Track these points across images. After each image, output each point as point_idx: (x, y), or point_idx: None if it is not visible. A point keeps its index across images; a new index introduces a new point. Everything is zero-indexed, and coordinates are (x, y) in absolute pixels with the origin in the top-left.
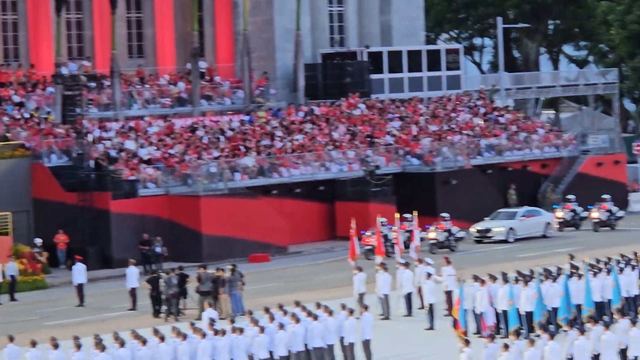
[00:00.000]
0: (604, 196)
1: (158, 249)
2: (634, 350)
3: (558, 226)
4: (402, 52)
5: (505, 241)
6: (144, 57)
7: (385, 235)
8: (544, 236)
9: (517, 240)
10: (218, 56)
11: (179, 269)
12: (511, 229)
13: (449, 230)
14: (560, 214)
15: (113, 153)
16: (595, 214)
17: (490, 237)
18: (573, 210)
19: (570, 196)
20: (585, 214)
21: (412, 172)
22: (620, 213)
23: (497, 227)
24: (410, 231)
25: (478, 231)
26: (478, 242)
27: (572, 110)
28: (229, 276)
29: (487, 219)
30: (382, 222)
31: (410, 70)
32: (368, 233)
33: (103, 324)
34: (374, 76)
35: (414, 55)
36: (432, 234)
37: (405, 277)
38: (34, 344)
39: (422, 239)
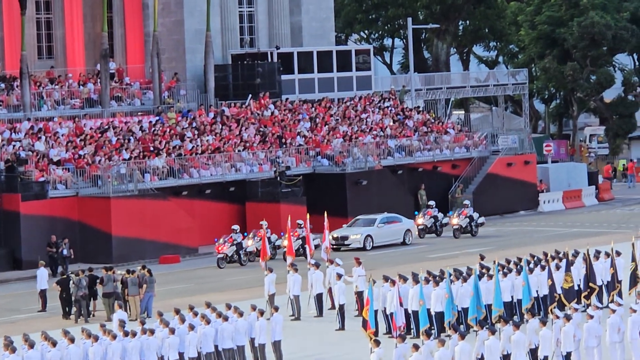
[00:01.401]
0: (465, 202)
1: (65, 251)
2: (543, 349)
3: (418, 233)
4: (313, 52)
5: (362, 249)
6: (53, 58)
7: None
8: (403, 243)
9: (374, 248)
10: (128, 57)
11: (89, 271)
12: (369, 236)
13: (470, 217)
14: (420, 220)
15: (22, 154)
16: (455, 220)
17: (347, 244)
18: (434, 217)
19: (431, 202)
20: (446, 220)
21: (322, 173)
22: (481, 219)
23: (355, 234)
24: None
25: (334, 238)
26: (335, 249)
27: (482, 110)
28: (142, 277)
29: (345, 226)
30: (299, 223)
31: (320, 71)
32: (220, 241)
33: (13, 326)
34: (284, 77)
35: (324, 56)
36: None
37: (315, 277)
38: None
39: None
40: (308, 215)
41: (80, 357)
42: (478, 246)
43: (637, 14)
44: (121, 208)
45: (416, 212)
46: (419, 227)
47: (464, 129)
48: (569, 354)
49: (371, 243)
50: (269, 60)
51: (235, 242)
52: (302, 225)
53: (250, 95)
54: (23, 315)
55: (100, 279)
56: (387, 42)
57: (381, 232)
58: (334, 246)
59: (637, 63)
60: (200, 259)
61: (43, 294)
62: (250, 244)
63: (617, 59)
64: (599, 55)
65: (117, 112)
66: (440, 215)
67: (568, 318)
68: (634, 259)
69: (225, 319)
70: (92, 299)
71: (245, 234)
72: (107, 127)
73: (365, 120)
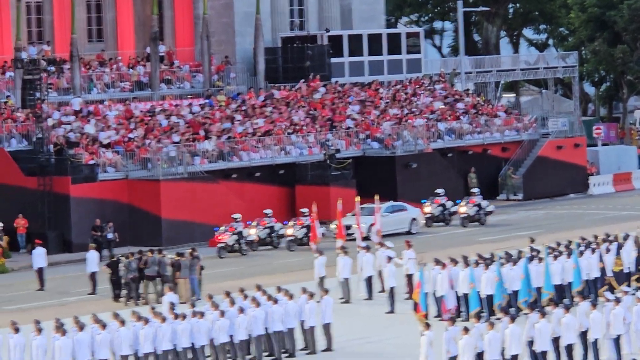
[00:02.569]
0: (473, 190)
1: (109, 235)
2: (594, 332)
3: (425, 222)
4: (363, 35)
5: (367, 238)
6: (103, 41)
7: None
8: (409, 232)
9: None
10: (177, 40)
11: (139, 253)
12: (372, 225)
13: (479, 205)
14: (428, 209)
15: (72, 137)
16: (464, 208)
17: (351, 234)
18: (442, 205)
19: (439, 190)
20: (455, 208)
21: (372, 156)
22: (490, 208)
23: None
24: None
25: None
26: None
27: (532, 93)
28: (187, 260)
29: (349, 215)
30: (303, 212)
31: (370, 54)
32: (221, 229)
33: (63, 308)
34: (334, 60)
35: (375, 39)
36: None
37: (365, 260)
38: None
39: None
40: (358, 198)
41: (131, 340)
42: (486, 234)
43: None
44: (171, 191)
45: (424, 200)
46: (427, 215)
47: (514, 111)
48: (618, 337)
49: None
50: (319, 43)
51: (236, 231)
52: (306, 214)
53: (302, 80)
54: (73, 297)
55: (144, 261)
56: (437, 25)
57: (386, 221)
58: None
59: None
60: None
61: (93, 276)
62: (252, 232)
63: None
64: None
65: (167, 95)
66: (448, 203)
67: (618, 301)
68: None
69: (275, 301)
70: (141, 281)
71: (249, 222)
72: (156, 110)
73: (415, 103)
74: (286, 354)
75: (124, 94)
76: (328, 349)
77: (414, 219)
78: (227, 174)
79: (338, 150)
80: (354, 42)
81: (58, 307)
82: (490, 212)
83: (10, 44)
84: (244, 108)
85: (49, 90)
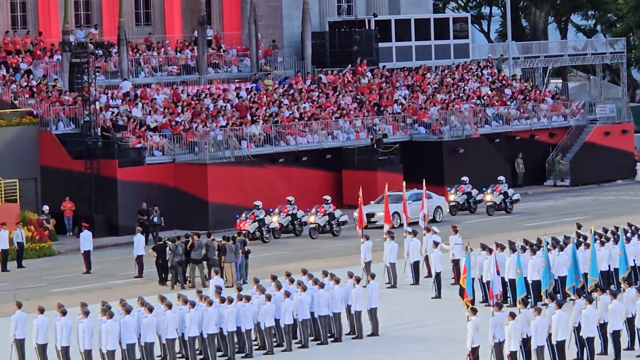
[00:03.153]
0: (500, 178)
1: (155, 219)
2: None
3: (449, 210)
4: (410, 20)
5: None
6: (151, 24)
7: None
8: (433, 221)
9: (402, 225)
10: (225, 24)
11: (185, 237)
12: (396, 213)
13: (505, 193)
14: (453, 197)
15: (120, 121)
16: (489, 197)
17: (374, 222)
18: (467, 193)
19: (464, 178)
20: (480, 197)
21: (419, 141)
22: (517, 196)
23: (381, 211)
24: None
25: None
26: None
27: (579, 79)
28: (233, 244)
29: (372, 202)
30: (326, 199)
31: (418, 39)
32: (242, 217)
33: (110, 291)
34: (381, 44)
35: (422, 24)
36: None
37: (412, 245)
38: (41, 310)
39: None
40: (404, 183)
41: (177, 323)
42: (512, 222)
43: None
44: (218, 175)
45: (448, 188)
46: (451, 203)
47: (562, 97)
48: None
49: (398, 220)
50: (367, 27)
51: (257, 219)
52: (329, 202)
53: (349, 65)
54: (120, 281)
55: (191, 244)
56: (485, 10)
57: (409, 209)
58: None
59: None
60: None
61: (140, 260)
62: (274, 220)
63: None
64: None
65: (214, 79)
66: (474, 191)
67: None
68: None
69: (322, 286)
70: (188, 265)
71: (271, 210)
72: (204, 93)
73: (462, 88)
74: (332, 339)
75: (171, 78)
76: (374, 333)
77: (438, 207)
78: (274, 158)
79: (385, 135)
80: (401, 27)
81: (105, 290)
82: (516, 201)
83: (58, 28)
84: (291, 92)
85: (97, 73)
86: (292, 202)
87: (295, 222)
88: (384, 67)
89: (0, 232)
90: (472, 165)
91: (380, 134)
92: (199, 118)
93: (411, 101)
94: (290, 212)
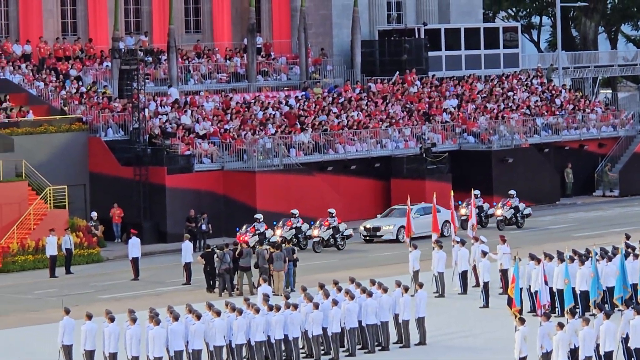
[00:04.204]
0: (510, 192)
1: (203, 226)
2: None
3: (460, 224)
4: (460, 29)
5: (395, 240)
6: (200, 32)
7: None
8: (441, 235)
9: (410, 239)
10: (274, 32)
11: (234, 245)
12: (402, 227)
13: (516, 207)
14: (463, 210)
15: (169, 128)
16: (500, 211)
17: (379, 236)
18: (478, 207)
19: (475, 192)
20: (491, 211)
21: (468, 150)
22: (527, 210)
23: (387, 225)
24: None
25: (366, 229)
26: (368, 241)
27: (629, 89)
28: (281, 252)
29: (379, 216)
30: (330, 212)
31: (467, 48)
32: (242, 230)
33: (158, 298)
34: (431, 53)
35: (472, 33)
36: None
37: (460, 254)
38: (89, 317)
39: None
40: (452, 192)
41: (225, 331)
42: (561, 232)
43: None
44: (266, 182)
45: (460, 202)
46: (462, 217)
47: (611, 107)
48: None
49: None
50: (416, 36)
51: (257, 232)
52: (333, 215)
53: (397, 73)
54: (167, 287)
55: (239, 251)
56: (535, 19)
57: (416, 223)
58: (366, 237)
59: None
60: None
61: (188, 267)
62: (277, 233)
63: None
64: None
65: (263, 87)
66: (485, 205)
67: None
68: None
69: (370, 294)
70: (236, 272)
71: (275, 222)
72: (253, 101)
73: (512, 98)
74: (379, 347)
75: (221, 85)
76: (422, 342)
77: (446, 221)
78: (323, 167)
79: (434, 144)
80: (451, 36)
81: (152, 297)
82: (527, 215)
83: (108, 34)
84: (340, 101)
85: (146, 80)
86: (334, 215)
87: (299, 235)
88: (433, 76)
89: (49, 238)
90: (521, 175)
91: (429, 143)
92: (248, 126)
93: (460, 110)
94: (294, 226)
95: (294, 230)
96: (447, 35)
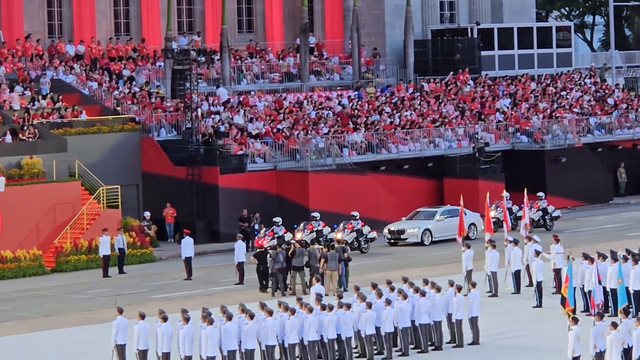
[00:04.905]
0: (539, 194)
1: (256, 226)
2: None
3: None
4: (513, 29)
5: (420, 243)
6: (253, 32)
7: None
8: (467, 238)
9: (434, 242)
10: (327, 32)
11: (287, 244)
12: (427, 230)
13: (544, 209)
14: (493, 213)
15: (222, 128)
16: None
17: (404, 239)
18: (508, 209)
19: (504, 193)
20: (520, 213)
21: (521, 150)
22: (556, 213)
23: (412, 228)
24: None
25: (390, 232)
26: (392, 244)
27: None
28: (334, 252)
29: (404, 219)
30: (354, 215)
31: (520, 47)
32: (261, 234)
33: (210, 298)
34: (484, 53)
35: (525, 32)
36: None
37: (514, 254)
38: (142, 316)
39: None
40: (505, 192)
41: (277, 330)
42: (614, 232)
43: None
44: (319, 182)
45: (488, 204)
46: (492, 220)
47: None
48: None
49: (430, 238)
50: (469, 36)
51: (276, 236)
52: (357, 217)
53: (451, 73)
54: (220, 287)
55: (292, 251)
56: (588, 19)
57: (441, 226)
58: (390, 240)
59: None
60: None
61: (240, 266)
62: (298, 236)
63: None
64: None
65: (316, 87)
66: (514, 207)
67: None
68: None
69: (423, 294)
70: (289, 272)
71: (295, 225)
72: (306, 101)
73: (565, 97)
74: (433, 347)
75: (273, 85)
76: (475, 342)
77: (472, 224)
78: (376, 166)
79: (487, 144)
80: (504, 36)
81: (205, 297)
82: (556, 218)
83: (160, 34)
84: (393, 100)
85: (199, 80)
86: (357, 218)
87: (320, 239)
88: (486, 75)
89: (102, 237)
90: (574, 175)
91: (482, 142)
92: (301, 125)
93: (513, 110)
94: (315, 229)
95: (314, 234)
96: (499, 34)
